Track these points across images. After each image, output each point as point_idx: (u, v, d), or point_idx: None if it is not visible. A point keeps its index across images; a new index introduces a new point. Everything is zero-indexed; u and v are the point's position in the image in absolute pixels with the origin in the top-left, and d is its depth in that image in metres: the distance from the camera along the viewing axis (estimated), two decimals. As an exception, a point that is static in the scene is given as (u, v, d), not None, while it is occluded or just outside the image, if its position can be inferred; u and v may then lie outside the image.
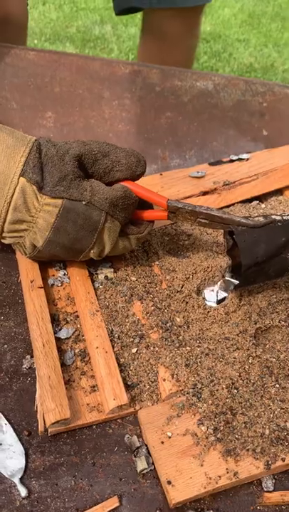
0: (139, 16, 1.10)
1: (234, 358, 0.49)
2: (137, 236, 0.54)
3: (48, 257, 0.55)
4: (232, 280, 0.54)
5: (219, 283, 0.56)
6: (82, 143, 0.51)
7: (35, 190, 0.48)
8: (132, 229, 0.54)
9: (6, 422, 0.45)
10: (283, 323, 0.53)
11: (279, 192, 0.73)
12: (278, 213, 0.54)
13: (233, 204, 0.69)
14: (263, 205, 0.70)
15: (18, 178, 0.48)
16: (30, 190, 0.48)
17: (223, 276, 0.56)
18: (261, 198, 0.71)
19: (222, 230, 0.57)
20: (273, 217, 0.51)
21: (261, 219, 0.51)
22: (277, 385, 0.47)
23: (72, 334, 0.52)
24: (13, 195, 0.48)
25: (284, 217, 0.51)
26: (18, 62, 0.73)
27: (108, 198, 0.50)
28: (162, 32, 1.05)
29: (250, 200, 0.70)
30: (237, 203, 0.69)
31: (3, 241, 0.53)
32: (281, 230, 0.51)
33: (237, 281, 0.53)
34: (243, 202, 0.69)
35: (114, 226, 0.51)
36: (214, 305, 0.56)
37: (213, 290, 0.58)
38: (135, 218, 0.54)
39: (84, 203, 0.49)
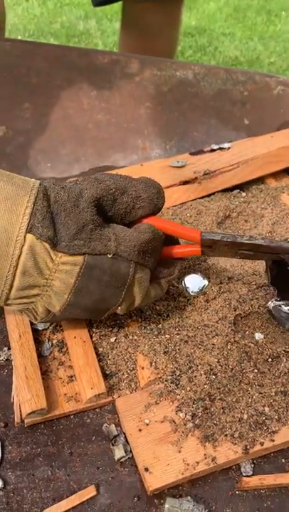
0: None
1: (213, 344, 0.49)
2: (168, 279, 0.47)
3: (65, 319, 0.48)
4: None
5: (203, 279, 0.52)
6: (94, 181, 0.43)
7: (47, 248, 0.39)
8: (161, 272, 0.46)
9: (-18, 414, 0.45)
10: (263, 309, 0.52)
11: (260, 180, 0.72)
12: None
13: (213, 193, 0.69)
14: (243, 194, 0.70)
15: (25, 236, 0.39)
16: (42, 249, 0.39)
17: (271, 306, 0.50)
18: (242, 186, 0.70)
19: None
20: None
21: None
22: (256, 370, 0.46)
23: (50, 325, 0.51)
24: (19, 256, 0.39)
25: None
26: (-6, 53, 0.73)
27: (136, 246, 0.42)
28: (143, 24, 1.04)
29: (231, 189, 0.70)
30: (218, 191, 0.69)
31: (7, 307, 0.44)
32: None
33: None
34: (224, 191, 0.69)
35: (144, 275, 0.43)
36: (194, 293, 0.55)
37: (193, 278, 0.57)
38: (162, 257, 0.47)
39: (110, 256, 0.41)
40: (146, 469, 0.40)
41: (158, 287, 0.47)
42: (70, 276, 0.40)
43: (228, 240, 0.46)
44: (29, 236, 0.39)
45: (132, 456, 0.42)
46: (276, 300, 0.50)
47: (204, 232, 0.46)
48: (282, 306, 0.50)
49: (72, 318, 0.46)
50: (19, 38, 1.99)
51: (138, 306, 0.46)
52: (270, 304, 0.50)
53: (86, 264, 0.40)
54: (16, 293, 0.41)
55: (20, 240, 0.39)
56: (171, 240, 0.47)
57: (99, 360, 0.48)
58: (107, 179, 0.43)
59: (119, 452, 0.42)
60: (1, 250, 0.39)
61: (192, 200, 0.68)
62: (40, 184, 0.41)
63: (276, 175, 0.73)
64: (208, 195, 0.68)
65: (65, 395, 0.46)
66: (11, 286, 0.40)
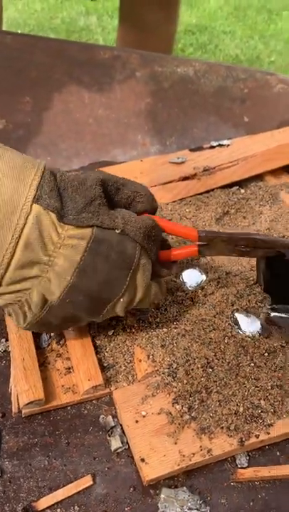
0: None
1: (210, 338, 0.49)
2: (167, 278, 0.46)
3: (57, 322, 0.43)
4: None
5: (256, 319, 0.49)
6: (97, 171, 0.43)
7: (53, 219, 0.38)
8: (161, 269, 0.46)
9: (-20, 404, 0.45)
10: (260, 304, 0.53)
11: (259, 177, 0.73)
12: None
13: (212, 189, 0.69)
14: (242, 191, 0.70)
15: (31, 205, 0.37)
16: (48, 219, 0.37)
17: (266, 313, 0.49)
18: (241, 183, 0.71)
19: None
20: None
21: None
22: (252, 364, 0.47)
23: (49, 317, 0.52)
24: (24, 227, 0.37)
25: None
26: (-5, 46, 0.72)
27: (142, 228, 0.41)
28: (140, 19, 1.04)
29: (230, 186, 0.70)
30: (217, 188, 0.69)
31: None
32: None
33: None
34: (223, 187, 0.70)
35: (148, 263, 0.42)
36: (192, 288, 0.56)
37: (191, 273, 0.58)
38: (160, 260, 0.47)
39: (118, 231, 0.40)
40: (143, 460, 0.41)
41: (158, 286, 0.46)
42: (76, 253, 0.38)
43: (225, 236, 0.46)
44: (36, 206, 0.37)
45: (128, 447, 0.43)
46: (272, 309, 0.49)
47: (200, 229, 0.46)
48: (283, 314, 0.48)
49: (67, 317, 0.42)
50: (19, 32, 1.98)
51: (138, 302, 0.44)
52: (266, 314, 0.49)
53: (94, 237, 0.39)
54: (14, 273, 0.38)
55: (26, 209, 0.37)
56: (164, 246, 0.48)
57: (96, 353, 0.48)
58: (105, 173, 0.43)
59: (115, 443, 0.43)
60: (5, 219, 0.37)
61: (191, 196, 0.68)
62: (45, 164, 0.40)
63: (275, 172, 0.73)
64: (207, 192, 0.69)
65: (62, 386, 0.46)
66: (9, 264, 0.37)
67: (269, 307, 0.49)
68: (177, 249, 0.48)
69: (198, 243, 0.47)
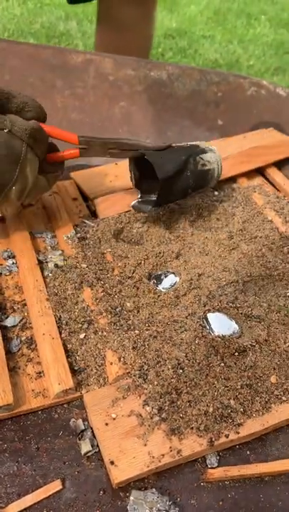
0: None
1: (181, 339, 0.49)
2: (54, 174, 0.56)
3: None
4: (148, 199, 0.62)
5: (134, 203, 0.63)
6: None
7: None
8: (49, 167, 0.56)
9: None
10: (231, 304, 0.53)
11: (233, 180, 0.74)
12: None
13: (186, 191, 0.69)
14: (216, 193, 0.71)
15: None
16: None
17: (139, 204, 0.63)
18: (216, 185, 0.71)
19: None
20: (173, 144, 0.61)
21: (162, 145, 0.60)
22: (222, 364, 0.47)
23: (19, 322, 0.51)
24: None
25: (178, 144, 0.62)
26: None
27: (27, 129, 0.51)
28: (117, 20, 1.04)
29: (204, 188, 0.70)
30: (190, 190, 0.70)
31: None
32: (180, 150, 0.60)
33: (154, 199, 0.60)
34: (197, 190, 0.70)
35: (34, 159, 0.52)
36: (165, 289, 0.56)
37: (164, 275, 0.58)
38: (49, 161, 0.57)
39: (6, 130, 0.49)
40: (112, 462, 0.41)
41: (45, 180, 0.55)
42: None
43: (99, 140, 0.58)
44: None
45: (99, 450, 0.43)
46: (139, 198, 0.63)
47: (81, 135, 0.58)
48: (144, 199, 0.63)
49: None
50: (-1, 37, 1.97)
51: (29, 192, 0.53)
52: (134, 202, 0.63)
53: None
54: None
55: None
56: (52, 149, 0.57)
57: (68, 357, 0.48)
58: None
59: (85, 446, 0.43)
60: None
61: (165, 199, 0.68)
62: None
63: (248, 174, 0.74)
64: (181, 194, 0.69)
65: (32, 390, 0.46)
66: None
67: (139, 198, 0.63)
68: (63, 151, 0.57)
69: (79, 147, 0.57)
